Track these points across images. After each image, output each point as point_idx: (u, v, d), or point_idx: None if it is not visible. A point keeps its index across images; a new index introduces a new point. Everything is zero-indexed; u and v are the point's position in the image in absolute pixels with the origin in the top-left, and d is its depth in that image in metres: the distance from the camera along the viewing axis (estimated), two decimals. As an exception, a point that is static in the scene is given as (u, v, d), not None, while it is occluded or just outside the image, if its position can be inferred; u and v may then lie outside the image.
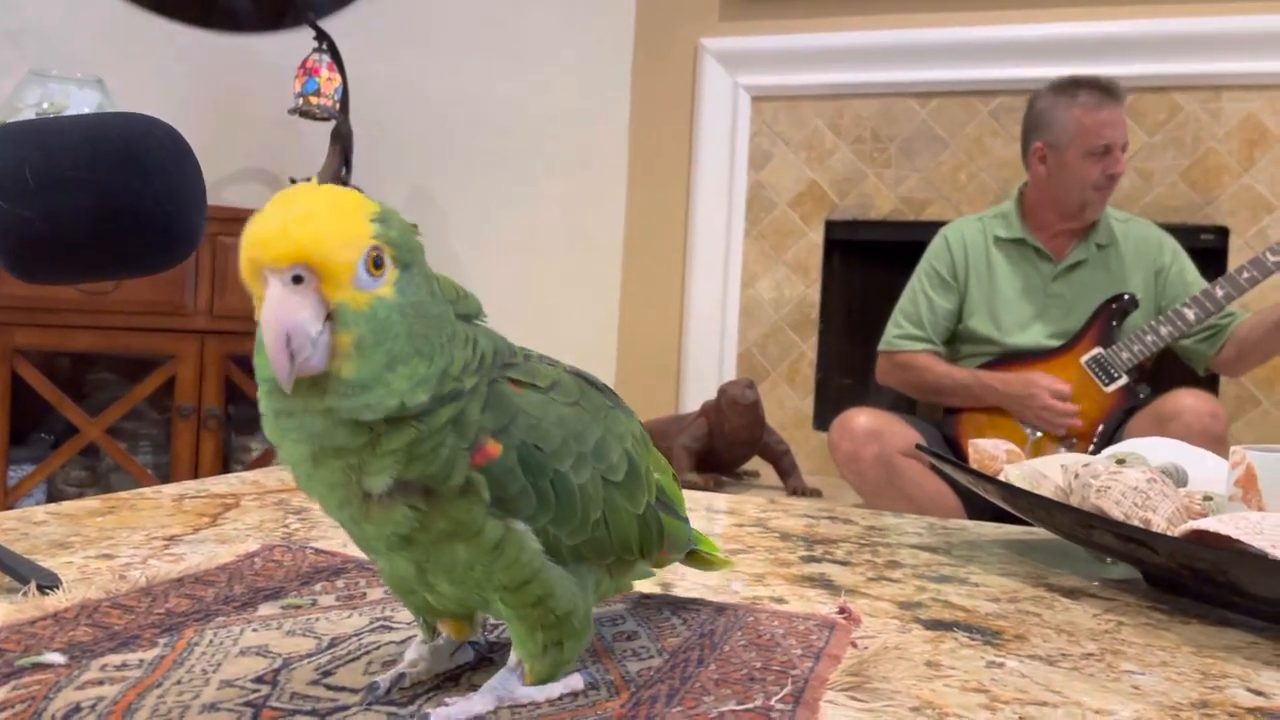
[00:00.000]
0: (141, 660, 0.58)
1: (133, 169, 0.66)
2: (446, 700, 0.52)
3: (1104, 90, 2.23)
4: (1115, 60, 2.81)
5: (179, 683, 0.54)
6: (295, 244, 0.43)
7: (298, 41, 2.82)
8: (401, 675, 0.55)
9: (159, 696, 0.52)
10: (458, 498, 0.49)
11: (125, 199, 0.66)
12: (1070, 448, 2.16)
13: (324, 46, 2.77)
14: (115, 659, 0.58)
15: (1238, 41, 2.77)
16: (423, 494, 0.48)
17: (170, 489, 1.13)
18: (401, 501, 0.48)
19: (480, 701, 0.53)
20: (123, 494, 1.08)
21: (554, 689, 0.55)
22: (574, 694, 0.56)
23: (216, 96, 2.89)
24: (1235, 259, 2.75)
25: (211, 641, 0.61)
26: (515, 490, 0.50)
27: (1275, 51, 2.75)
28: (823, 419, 3.13)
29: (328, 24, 2.85)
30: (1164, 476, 0.91)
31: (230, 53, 2.93)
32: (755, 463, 3.00)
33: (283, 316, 0.43)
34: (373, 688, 0.54)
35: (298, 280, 0.43)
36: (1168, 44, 2.83)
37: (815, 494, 2.81)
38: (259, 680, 0.55)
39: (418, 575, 0.53)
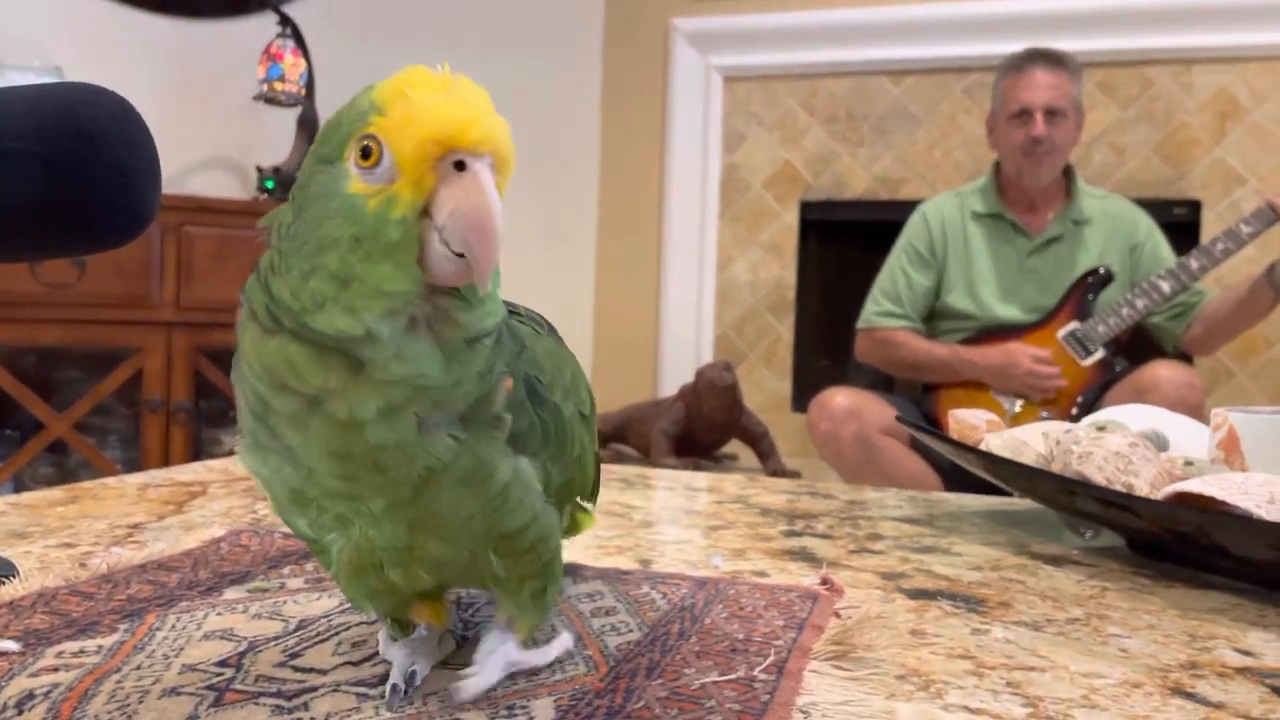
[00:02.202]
0: (100, 646, 0.55)
1: (80, 139, 0.64)
2: (460, 675, 0.50)
3: (1029, 56, 2.25)
4: (1087, 34, 2.81)
5: (139, 668, 0.52)
6: (494, 131, 0.40)
7: (261, 27, 2.78)
8: (413, 673, 0.51)
9: (117, 682, 0.50)
10: (484, 431, 0.45)
11: (72, 170, 0.63)
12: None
13: (288, 31, 2.72)
14: (73, 646, 0.55)
15: (1208, 14, 2.78)
16: (461, 423, 0.44)
17: (135, 478, 1.10)
18: (445, 430, 0.43)
19: (492, 670, 0.50)
20: (86, 484, 1.05)
21: (551, 650, 0.54)
22: (569, 652, 0.55)
23: (179, 84, 2.84)
24: (1208, 232, 2.76)
25: (174, 626, 0.59)
26: (526, 425, 0.47)
27: (1246, 24, 2.76)
28: (801, 400, 3.13)
29: (291, 9, 2.81)
30: (1146, 441, 0.90)
31: (192, 39, 2.87)
32: (734, 445, 2.99)
33: (499, 203, 0.39)
34: (395, 690, 0.49)
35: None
36: (1139, 17, 2.84)
37: (795, 475, 2.80)
38: (223, 664, 0.53)
39: (406, 540, 0.47)
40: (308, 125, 2.74)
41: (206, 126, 2.87)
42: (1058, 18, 2.87)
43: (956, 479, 2.06)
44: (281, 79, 2.71)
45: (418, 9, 3.16)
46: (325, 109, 2.79)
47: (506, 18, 3.25)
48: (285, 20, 2.73)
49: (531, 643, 0.54)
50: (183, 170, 2.82)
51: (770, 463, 2.87)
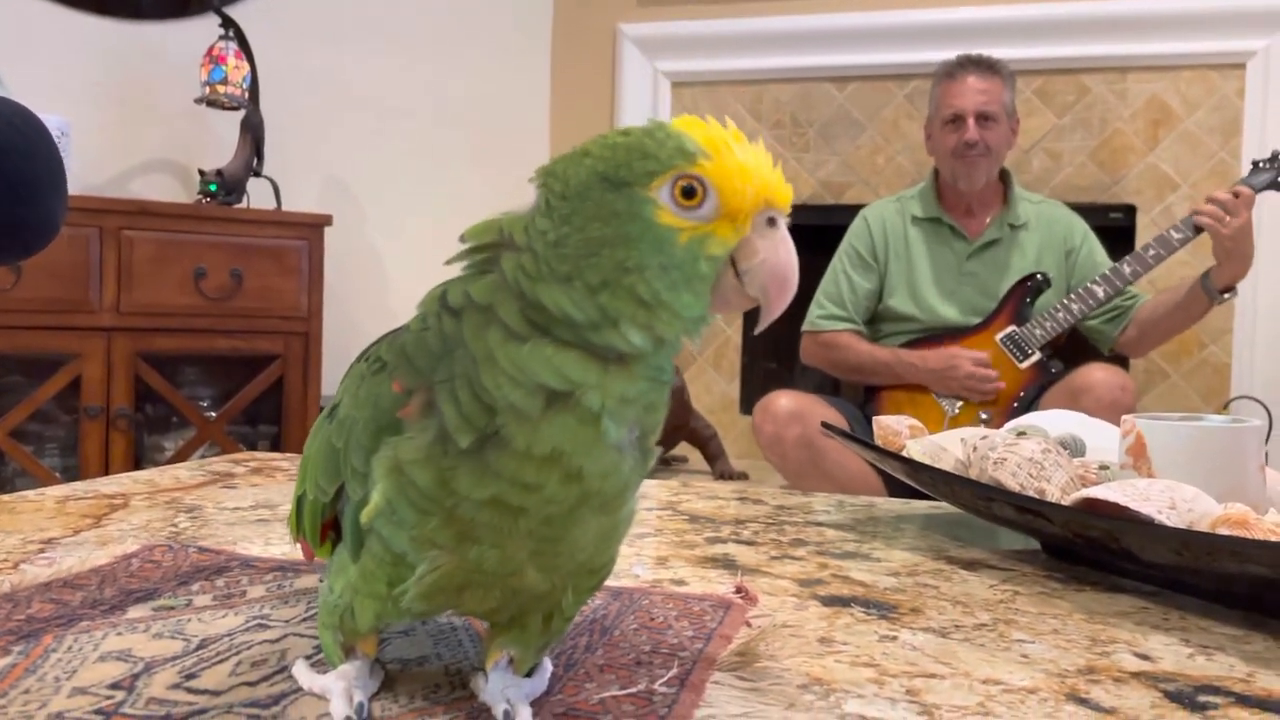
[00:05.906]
0: (-9, 670, 0.54)
1: (-23, 152, 0.63)
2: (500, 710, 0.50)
3: (961, 63, 2.30)
4: (1025, 43, 2.86)
5: (27, 692, 0.51)
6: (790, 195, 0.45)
7: (203, 29, 2.74)
8: (362, 705, 0.50)
9: (1, 708, 0.49)
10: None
11: (-31, 184, 0.62)
12: (986, 423, 2.19)
13: (230, 34, 2.69)
14: (-38, 670, 0.54)
15: (1142, 23, 2.84)
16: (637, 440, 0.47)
17: (55, 490, 1.08)
18: (631, 449, 0.46)
19: (526, 712, 0.51)
20: (4, 497, 1.03)
21: (545, 677, 0.55)
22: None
23: (120, 87, 2.79)
24: (1143, 236, 2.82)
25: (70, 647, 0.58)
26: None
27: (1177, 33, 2.82)
28: (749, 402, 3.14)
29: (234, 11, 2.77)
30: (1059, 447, 0.92)
31: (133, 41, 2.82)
32: (683, 448, 3.00)
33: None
34: None
35: None
36: (1076, 26, 2.89)
37: (743, 477, 2.82)
38: (115, 686, 0.52)
39: (518, 564, 0.46)
40: (251, 128, 2.71)
41: (148, 129, 2.82)
42: (997, 26, 2.91)
43: (898, 480, 2.08)
44: (224, 82, 2.67)
45: (363, 12, 3.13)
46: (269, 112, 2.76)
47: (454, 22, 3.23)
48: (228, 22, 2.69)
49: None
50: (124, 173, 2.77)
51: (719, 465, 2.88)
